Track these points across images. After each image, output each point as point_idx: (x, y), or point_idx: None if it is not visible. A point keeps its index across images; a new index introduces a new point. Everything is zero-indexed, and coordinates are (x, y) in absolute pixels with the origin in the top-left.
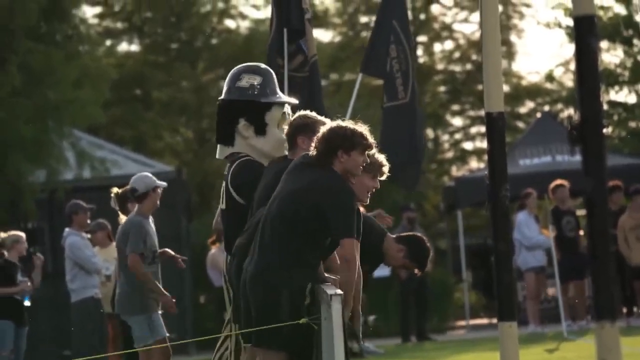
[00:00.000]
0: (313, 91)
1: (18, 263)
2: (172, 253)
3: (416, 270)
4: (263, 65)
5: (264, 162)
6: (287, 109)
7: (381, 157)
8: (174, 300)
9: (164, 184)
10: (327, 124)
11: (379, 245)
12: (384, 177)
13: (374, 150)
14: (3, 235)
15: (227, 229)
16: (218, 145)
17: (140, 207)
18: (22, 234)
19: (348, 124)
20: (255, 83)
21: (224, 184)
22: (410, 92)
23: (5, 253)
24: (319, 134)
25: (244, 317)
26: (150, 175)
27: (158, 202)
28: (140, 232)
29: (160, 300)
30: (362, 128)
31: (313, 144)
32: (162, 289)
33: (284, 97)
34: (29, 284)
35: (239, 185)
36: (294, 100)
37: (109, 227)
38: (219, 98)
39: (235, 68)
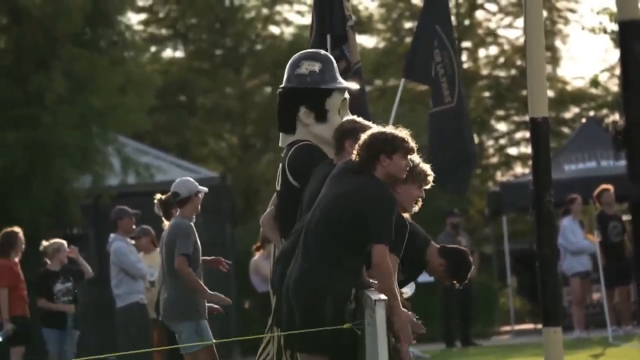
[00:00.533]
0: (358, 98)
1: (60, 271)
2: (213, 258)
3: (455, 283)
4: (322, 52)
5: (325, 149)
6: (347, 95)
7: (426, 167)
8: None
9: (206, 189)
10: (368, 131)
11: (422, 254)
12: (429, 186)
13: (419, 160)
14: (45, 243)
15: (280, 212)
16: (280, 134)
17: (182, 211)
18: (64, 242)
19: (389, 128)
20: (315, 69)
21: (280, 167)
22: (457, 96)
23: (48, 262)
24: (360, 141)
25: (286, 323)
26: (192, 180)
27: (199, 207)
28: (189, 234)
29: (209, 299)
30: (403, 132)
31: (355, 151)
32: (206, 289)
33: (344, 83)
34: (71, 305)
35: (296, 169)
36: (355, 85)
37: (153, 232)
38: (280, 87)
39: (294, 55)
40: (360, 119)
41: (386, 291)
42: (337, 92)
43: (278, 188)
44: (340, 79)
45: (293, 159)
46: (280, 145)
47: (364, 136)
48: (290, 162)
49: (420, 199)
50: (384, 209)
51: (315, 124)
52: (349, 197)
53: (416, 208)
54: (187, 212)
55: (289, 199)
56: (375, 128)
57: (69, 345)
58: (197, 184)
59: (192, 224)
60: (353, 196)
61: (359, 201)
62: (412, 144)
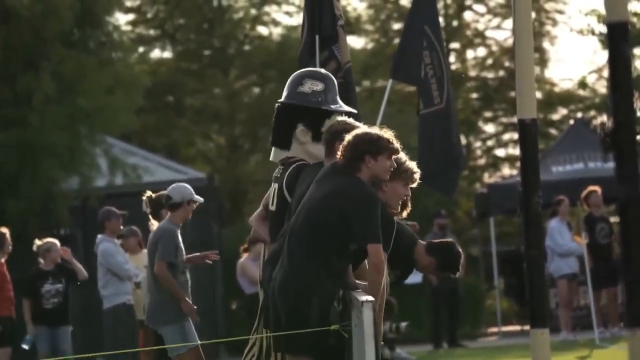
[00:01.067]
0: (348, 98)
1: (51, 271)
2: (200, 255)
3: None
4: (324, 71)
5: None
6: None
7: (412, 165)
8: (196, 307)
9: (200, 199)
10: (352, 131)
11: (410, 253)
12: (415, 185)
13: (405, 158)
14: (38, 243)
15: (275, 230)
16: (273, 148)
17: (172, 216)
18: (56, 241)
19: (374, 129)
20: (319, 89)
21: (275, 186)
22: (446, 98)
23: (41, 261)
24: (345, 141)
25: (273, 325)
26: (188, 186)
27: (190, 215)
28: (173, 240)
29: (182, 306)
30: (388, 134)
31: (339, 152)
32: (184, 296)
33: (344, 107)
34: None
35: (294, 187)
36: (354, 110)
37: (140, 233)
38: (279, 101)
39: (297, 72)
40: (350, 120)
41: (373, 291)
42: (336, 115)
43: (272, 208)
44: (340, 102)
45: (292, 177)
46: (271, 159)
47: (348, 137)
48: (288, 180)
49: (407, 198)
50: (368, 209)
51: (311, 143)
52: (332, 198)
53: (405, 214)
54: (176, 218)
55: (286, 216)
56: (360, 129)
57: (63, 344)
58: (193, 192)
59: (178, 230)
60: (336, 197)
61: (343, 202)
62: (397, 145)
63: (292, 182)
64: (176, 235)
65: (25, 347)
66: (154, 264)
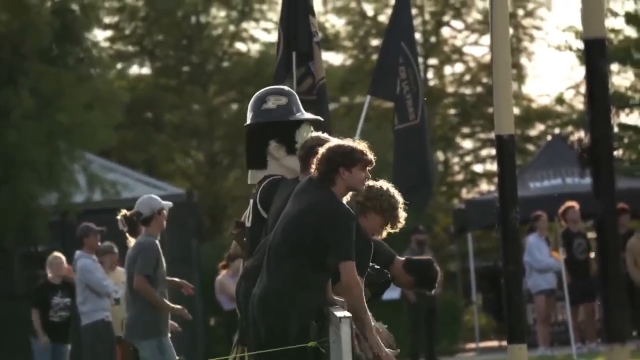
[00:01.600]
0: (322, 114)
1: (60, 285)
2: (178, 281)
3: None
4: (286, 87)
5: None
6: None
7: (403, 214)
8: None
9: (170, 203)
10: (326, 144)
11: (387, 269)
12: (391, 231)
13: (400, 204)
14: (50, 255)
15: (251, 247)
16: (249, 171)
17: (147, 229)
18: (59, 255)
19: (346, 141)
20: (282, 103)
21: (251, 202)
22: (421, 114)
23: (49, 274)
24: (319, 155)
25: (253, 341)
26: (155, 197)
27: (165, 223)
28: (151, 254)
29: (172, 312)
30: (362, 145)
31: (314, 165)
32: (168, 304)
33: (310, 115)
34: (46, 338)
35: (267, 201)
36: (321, 119)
37: (116, 251)
38: (245, 124)
39: (257, 92)
40: (325, 136)
41: (356, 308)
42: (305, 124)
43: (248, 224)
44: (305, 112)
45: (265, 191)
46: (250, 182)
47: (322, 150)
48: (262, 195)
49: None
50: (341, 226)
51: (286, 157)
52: (306, 215)
53: (384, 234)
54: (152, 230)
55: (261, 232)
56: (333, 141)
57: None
58: (160, 200)
59: (157, 241)
60: (310, 213)
61: (317, 218)
62: (371, 156)
63: (266, 197)
64: (156, 248)
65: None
66: (131, 278)
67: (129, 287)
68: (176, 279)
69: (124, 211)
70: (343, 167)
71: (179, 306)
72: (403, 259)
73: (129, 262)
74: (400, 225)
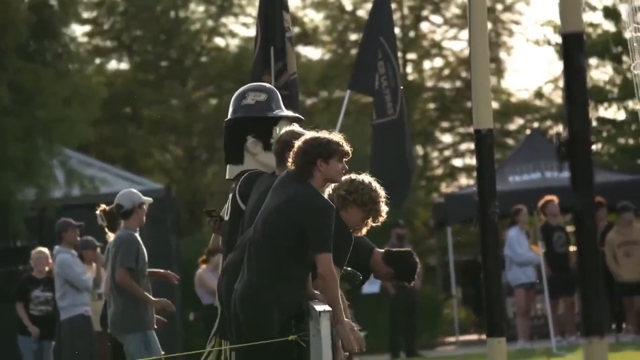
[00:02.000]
0: (293, 109)
1: (42, 279)
2: (163, 272)
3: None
4: (267, 84)
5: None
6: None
7: (385, 208)
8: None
9: (150, 199)
10: (301, 137)
11: (367, 262)
12: (372, 224)
13: (382, 197)
14: (34, 250)
15: (230, 240)
16: (228, 166)
17: (126, 222)
18: (44, 250)
19: (322, 133)
20: (262, 99)
21: (230, 196)
22: (399, 109)
23: (33, 268)
24: (295, 148)
25: (235, 336)
26: (135, 191)
27: (144, 218)
28: (132, 247)
29: (155, 305)
30: (337, 137)
31: (290, 159)
32: (150, 298)
33: (289, 113)
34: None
35: (247, 194)
36: (300, 116)
37: (98, 244)
38: (225, 119)
39: (240, 88)
40: (300, 130)
41: (331, 300)
42: (283, 121)
43: (226, 218)
44: (284, 109)
45: (244, 185)
46: (227, 177)
47: (298, 143)
48: (241, 189)
49: (357, 230)
50: (320, 218)
51: (263, 153)
52: (285, 208)
53: (364, 231)
54: (131, 224)
55: (239, 225)
56: (308, 134)
57: (46, 356)
58: (140, 195)
59: (137, 234)
60: (289, 206)
61: (295, 211)
62: (347, 147)
63: (245, 190)
64: (136, 240)
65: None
66: (114, 272)
67: (113, 282)
68: (161, 270)
69: (103, 206)
70: (320, 159)
71: (161, 299)
72: (382, 251)
73: (110, 256)
74: (382, 219)
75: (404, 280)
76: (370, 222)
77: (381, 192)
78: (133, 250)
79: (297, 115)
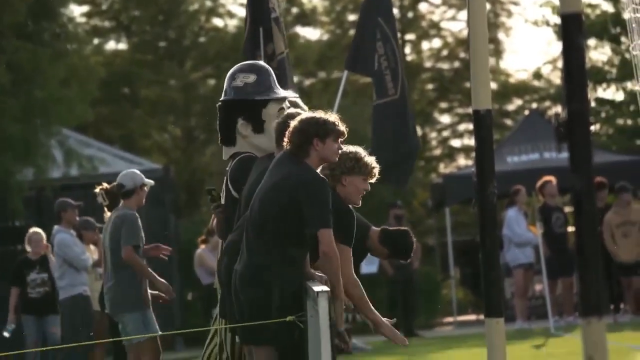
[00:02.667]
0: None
1: (37, 260)
2: (152, 245)
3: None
4: (259, 63)
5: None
6: (286, 104)
7: (371, 159)
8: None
9: (151, 182)
10: (297, 117)
11: (363, 240)
12: (374, 180)
13: (364, 153)
14: (30, 231)
15: (226, 223)
16: (223, 147)
17: (126, 202)
18: (39, 231)
19: (318, 113)
20: (250, 81)
21: (225, 180)
22: (400, 88)
23: (28, 250)
24: (291, 127)
25: (236, 316)
26: (138, 172)
27: (144, 200)
28: (136, 225)
29: (159, 286)
30: (333, 116)
31: (286, 138)
32: (156, 277)
33: (280, 92)
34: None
35: (237, 180)
36: (292, 94)
37: (97, 225)
38: (220, 100)
39: (233, 67)
40: (298, 110)
41: (332, 276)
42: (272, 103)
43: (222, 202)
44: (276, 89)
45: (235, 170)
46: (223, 158)
47: (294, 123)
48: (231, 173)
49: (365, 192)
50: (318, 195)
51: (254, 135)
52: (282, 186)
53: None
54: (131, 204)
55: (232, 210)
56: (304, 114)
57: (51, 327)
58: (143, 176)
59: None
60: (286, 185)
61: (293, 189)
62: (343, 127)
63: (235, 176)
64: (138, 220)
65: (6, 335)
66: (115, 251)
67: (112, 261)
68: (151, 245)
69: (104, 184)
70: (317, 138)
71: (164, 281)
72: (379, 229)
73: (113, 234)
74: (375, 172)
75: (399, 258)
76: (369, 180)
77: (357, 149)
78: (138, 228)
79: (287, 95)
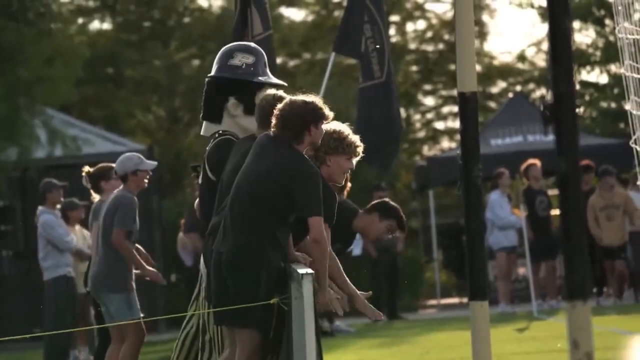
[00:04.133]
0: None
1: None
2: (153, 271)
3: (398, 232)
4: (254, 45)
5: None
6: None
7: (355, 138)
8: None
9: (153, 163)
10: (285, 101)
11: (350, 224)
12: (358, 158)
13: (348, 131)
14: None
15: (201, 204)
16: (204, 122)
17: (125, 185)
18: None
19: (308, 97)
20: (249, 62)
21: (203, 160)
22: (387, 71)
23: None
24: (285, 112)
25: (217, 299)
26: (133, 158)
27: (145, 183)
28: (131, 209)
29: (146, 274)
30: (317, 99)
31: (276, 122)
32: (144, 264)
33: (274, 79)
34: None
35: (214, 161)
36: (284, 83)
37: (81, 205)
38: (209, 75)
39: (226, 46)
40: (282, 92)
41: (320, 264)
42: (268, 87)
43: (199, 181)
44: (269, 74)
45: (212, 152)
46: (202, 133)
47: (288, 108)
48: (209, 155)
49: (348, 177)
50: (310, 183)
51: (243, 116)
52: (274, 172)
53: (345, 194)
54: (130, 187)
55: (208, 191)
56: (296, 98)
57: None
58: (138, 161)
59: (135, 198)
60: (278, 171)
61: (285, 175)
62: (327, 110)
63: (212, 158)
64: (135, 204)
65: None
66: (106, 232)
67: (102, 241)
68: (151, 269)
69: (87, 168)
70: (313, 124)
71: (151, 269)
72: (368, 207)
73: (102, 216)
74: (359, 150)
75: (396, 222)
76: (354, 158)
77: (341, 127)
78: (132, 213)
79: (281, 82)
